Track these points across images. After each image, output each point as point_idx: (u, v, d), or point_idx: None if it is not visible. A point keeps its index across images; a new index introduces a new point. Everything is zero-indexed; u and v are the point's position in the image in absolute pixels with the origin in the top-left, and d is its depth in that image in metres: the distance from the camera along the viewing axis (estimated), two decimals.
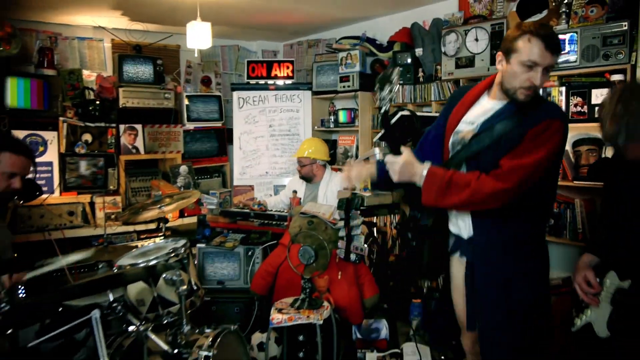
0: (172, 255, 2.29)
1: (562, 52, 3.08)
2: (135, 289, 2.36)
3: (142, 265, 2.12)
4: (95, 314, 1.79)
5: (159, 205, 2.78)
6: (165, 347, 2.01)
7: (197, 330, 2.29)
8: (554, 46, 1.79)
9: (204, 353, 2.07)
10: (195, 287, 2.47)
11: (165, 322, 2.27)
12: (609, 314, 1.68)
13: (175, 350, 2.08)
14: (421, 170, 1.89)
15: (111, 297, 1.96)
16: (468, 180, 1.82)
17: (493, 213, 1.89)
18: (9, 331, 1.60)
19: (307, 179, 4.01)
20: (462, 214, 2.04)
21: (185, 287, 2.25)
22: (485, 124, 1.92)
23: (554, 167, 1.94)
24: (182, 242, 2.45)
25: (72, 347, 2.02)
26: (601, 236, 1.94)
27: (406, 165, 1.91)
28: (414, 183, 1.93)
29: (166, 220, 3.14)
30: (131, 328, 2.07)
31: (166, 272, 2.28)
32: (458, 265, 2.15)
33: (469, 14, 3.85)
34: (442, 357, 3.29)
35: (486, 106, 1.98)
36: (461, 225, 2.07)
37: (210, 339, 2.16)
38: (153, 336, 1.95)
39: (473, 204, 1.84)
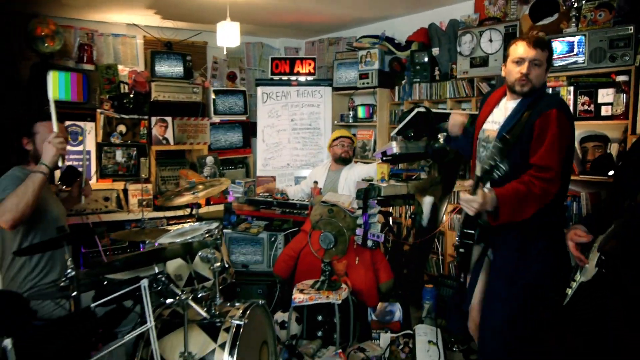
0: (207, 235, 2.54)
1: (571, 54, 3.27)
2: (173, 265, 2.63)
3: (181, 242, 2.36)
4: (144, 282, 2.04)
5: (192, 191, 3.03)
6: (203, 314, 2.26)
7: (228, 304, 2.55)
8: (537, 43, 2.13)
9: (236, 322, 2.31)
10: (226, 265, 2.73)
11: (199, 295, 2.51)
12: (596, 260, 1.89)
13: (211, 318, 2.33)
14: (490, 199, 2.04)
15: (156, 270, 2.22)
16: (522, 186, 2.05)
17: None
18: (74, 293, 1.87)
19: (346, 159, 4.25)
20: None
21: (218, 264, 2.50)
22: (505, 123, 2.22)
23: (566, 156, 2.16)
24: (215, 224, 2.70)
25: (121, 313, 2.28)
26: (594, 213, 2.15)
27: (485, 202, 2.04)
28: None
29: (199, 205, 3.40)
30: (169, 301, 2.34)
31: (202, 250, 2.54)
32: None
33: (484, 16, 4.04)
34: (452, 339, 3.51)
35: (505, 106, 2.29)
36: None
37: (241, 311, 2.41)
38: (193, 304, 2.21)
39: (539, 205, 2.06)
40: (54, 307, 2.42)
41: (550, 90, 3.38)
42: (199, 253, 2.57)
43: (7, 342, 1.48)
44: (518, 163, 2.09)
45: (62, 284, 1.95)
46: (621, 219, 1.81)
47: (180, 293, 2.18)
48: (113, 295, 1.98)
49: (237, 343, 2.26)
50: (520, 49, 2.17)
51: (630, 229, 1.81)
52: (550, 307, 2.22)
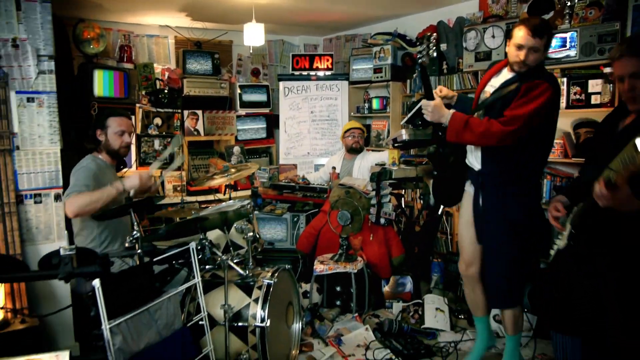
0: (241, 208, 2.97)
1: (564, 48, 3.61)
2: (212, 235, 3.07)
3: (219, 212, 2.78)
4: (192, 244, 2.47)
5: (226, 174, 3.46)
6: (241, 271, 2.69)
7: (259, 268, 2.98)
8: (536, 32, 2.40)
9: (267, 281, 2.74)
10: (257, 236, 3.15)
11: (235, 261, 2.95)
12: (569, 233, 2.24)
13: (246, 278, 2.76)
14: (447, 114, 2.55)
15: (201, 236, 2.66)
16: (481, 123, 2.48)
17: (497, 153, 2.55)
18: (139, 251, 2.30)
19: (358, 149, 4.65)
20: (475, 152, 2.70)
21: (251, 234, 2.93)
22: (500, 86, 2.60)
23: (547, 123, 2.52)
24: (247, 201, 3.12)
25: (172, 272, 2.72)
26: (571, 185, 2.49)
27: (436, 108, 2.59)
28: (440, 125, 2.60)
29: (232, 186, 3.84)
30: (207, 267, 2.77)
31: (237, 221, 2.97)
32: (467, 198, 2.79)
33: (488, 13, 4.38)
34: (458, 308, 3.89)
35: (505, 76, 2.64)
36: (473, 161, 2.73)
37: (270, 273, 2.84)
38: (233, 264, 2.64)
39: (484, 141, 2.49)
40: (120, 264, 2.87)
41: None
42: (234, 224, 3.00)
43: (96, 282, 1.92)
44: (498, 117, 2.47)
45: (127, 244, 2.39)
46: (590, 197, 2.04)
47: (222, 255, 2.61)
48: (168, 254, 2.41)
49: (269, 298, 2.68)
50: (520, 34, 2.42)
51: (596, 207, 2.00)
52: (539, 242, 2.61)
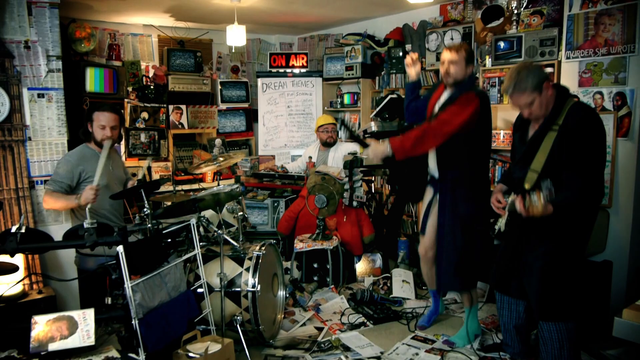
0: (232, 191, 3.38)
1: (512, 50, 4.12)
2: (207, 214, 3.46)
3: (213, 192, 3.18)
4: (193, 220, 2.87)
5: (215, 162, 3.85)
6: (235, 243, 3.11)
7: (248, 243, 3.39)
8: (449, 48, 3.00)
9: (256, 252, 3.16)
10: (245, 216, 3.57)
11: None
12: (506, 217, 2.74)
13: (238, 250, 3.18)
14: (385, 146, 2.85)
15: (200, 214, 3.06)
16: (413, 130, 2.88)
17: (448, 164, 3.03)
18: (149, 225, 2.69)
19: (331, 143, 5.03)
20: (432, 161, 3.15)
21: (240, 213, 3.35)
22: (444, 103, 3.08)
23: (482, 134, 3.02)
24: (236, 184, 3.53)
25: (175, 244, 3.11)
26: (508, 173, 2.99)
27: (373, 149, 2.90)
28: (387, 156, 2.88)
29: (220, 173, 4.23)
30: (202, 244, 3.17)
31: (228, 203, 3.38)
32: (428, 194, 3.27)
33: (447, 18, 4.88)
34: (422, 280, 4.38)
35: (447, 94, 3.13)
36: (432, 168, 3.20)
37: (259, 246, 3.26)
38: (228, 238, 3.05)
39: (426, 142, 2.86)
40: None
41: (497, 80, 4.25)
42: (226, 205, 3.41)
43: (120, 248, 2.31)
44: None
45: (137, 219, 2.78)
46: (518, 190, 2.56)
47: (217, 230, 3.02)
48: (175, 227, 2.81)
49: (258, 268, 3.10)
50: (443, 54, 3.04)
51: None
52: (483, 236, 3.11)
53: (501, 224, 2.69)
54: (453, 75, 2.99)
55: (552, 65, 3.93)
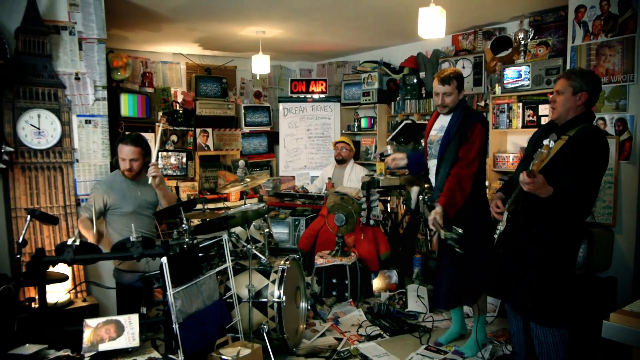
0: (259, 209, 3.67)
1: (520, 79, 4.39)
2: (235, 231, 3.75)
3: (242, 211, 3.47)
4: (224, 236, 3.16)
5: (242, 183, 4.15)
6: (262, 257, 3.38)
7: (273, 257, 3.66)
8: (443, 80, 3.20)
9: (282, 266, 3.43)
10: (271, 232, 3.84)
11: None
12: (506, 217, 2.93)
13: (264, 264, 3.45)
14: (439, 208, 3.09)
15: (231, 230, 3.35)
16: (447, 185, 3.12)
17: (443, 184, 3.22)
18: (187, 239, 2.98)
19: (343, 160, 5.33)
20: (433, 180, 3.40)
21: (267, 230, 3.62)
22: (446, 130, 3.27)
23: (482, 154, 3.26)
24: (263, 204, 3.82)
25: (207, 258, 3.38)
26: (508, 183, 3.18)
27: (435, 217, 3.08)
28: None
29: (247, 193, 4.53)
30: (231, 258, 3.45)
31: (255, 220, 3.66)
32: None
33: (459, 47, 5.18)
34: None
35: (443, 119, 3.36)
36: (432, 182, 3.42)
37: (283, 260, 3.52)
38: (256, 252, 3.33)
39: (462, 190, 3.12)
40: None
41: (505, 106, 4.52)
42: (253, 222, 3.70)
43: (164, 259, 2.60)
44: (455, 157, 3.19)
45: (175, 234, 3.07)
46: (516, 190, 2.71)
47: (247, 245, 3.31)
48: (210, 242, 3.09)
49: (283, 280, 3.37)
50: (435, 84, 3.24)
51: (519, 196, 2.72)
52: (482, 251, 3.30)
53: (501, 227, 2.88)
54: (449, 105, 3.24)
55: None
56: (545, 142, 2.30)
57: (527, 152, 2.95)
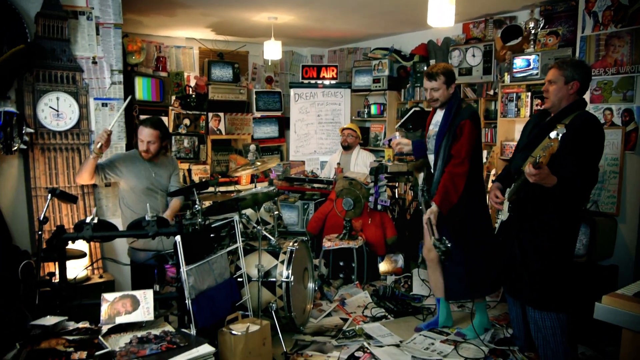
0: (269, 191, 3.77)
1: (529, 68, 4.42)
2: (246, 213, 3.86)
3: (252, 193, 3.58)
4: (236, 217, 3.27)
5: (252, 166, 4.26)
6: (272, 238, 3.49)
7: (282, 238, 3.77)
8: (430, 76, 3.30)
9: (290, 247, 3.54)
10: (281, 215, 3.95)
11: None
12: (508, 207, 3.00)
13: (273, 245, 3.56)
14: (434, 207, 3.21)
15: (242, 212, 3.46)
16: (442, 183, 3.22)
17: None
18: (200, 220, 3.10)
19: (348, 146, 5.42)
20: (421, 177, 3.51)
21: (277, 212, 3.73)
22: (440, 125, 3.34)
23: (476, 148, 3.32)
24: (273, 186, 3.92)
25: (219, 238, 3.51)
26: (505, 172, 3.23)
27: (430, 213, 3.23)
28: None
29: (257, 176, 4.64)
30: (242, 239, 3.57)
31: (265, 202, 3.77)
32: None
33: (469, 36, 5.21)
34: None
35: (439, 114, 3.43)
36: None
37: (292, 242, 3.63)
38: (266, 233, 3.44)
39: (456, 186, 3.20)
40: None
41: (514, 95, 4.56)
42: (263, 205, 3.80)
43: (178, 237, 2.72)
44: (449, 154, 3.26)
45: (188, 214, 3.19)
46: (520, 178, 2.76)
47: (256, 227, 3.42)
48: (222, 222, 3.21)
49: (292, 261, 3.48)
50: (425, 82, 3.36)
51: (522, 186, 2.78)
52: (485, 242, 3.39)
53: (503, 216, 2.96)
54: (438, 100, 3.34)
55: None
56: (553, 134, 2.36)
57: (521, 142, 3.01)
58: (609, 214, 3.84)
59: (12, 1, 3.30)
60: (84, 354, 2.26)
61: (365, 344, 3.42)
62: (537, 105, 4.44)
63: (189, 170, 5.70)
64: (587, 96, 3.97)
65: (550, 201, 2.71)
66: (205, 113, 5.84)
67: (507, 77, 4.59)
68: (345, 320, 3.86)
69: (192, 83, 5.92)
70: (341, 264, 4.73)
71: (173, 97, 5.66)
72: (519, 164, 2.76)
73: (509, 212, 2.89)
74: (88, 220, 2.81)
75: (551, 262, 2.79)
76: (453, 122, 3.26)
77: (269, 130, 6.50)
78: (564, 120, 2.70)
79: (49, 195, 2.94)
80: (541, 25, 4.42)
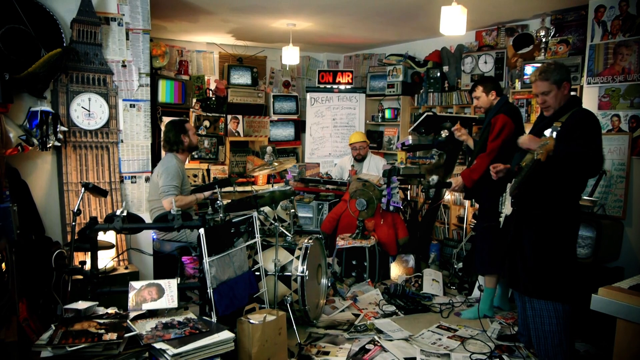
0: (286, 190, 3.95)
1: None
2: (264, 210, 4.04)
3: (270, 191, 3.76)
4: (254, 213, 3.45)
5: (270, 167, 4.43)
6: (288, 234, 3.67)
7: (298, 236, 3.94)
8: (472, 88, 3.73)
9: (306, 244, 3.71)
10: (297, 213, 4.13)
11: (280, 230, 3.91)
12: (510, 202, 3.12)
13: (289, 241, 3.73)
14: (459, 179, 3.74)
15: (260, 209, 3.64)
16: (476, 165, 3.57)
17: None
18: (222, 215, 3.28)
19: (360, 160, 5.58)
20: None
21: (293, 210, 3.90)
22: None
23: (510, 142, 3.47)
24: (289, 186, 4.10)
25: (238, 234, 3.68)
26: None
27: (455, 183, 3.74)
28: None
29: (274, 177, 4.83)
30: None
31: (282, 201, 3.94)
32: None
33: (482, 43, 5.35)
34: (450, 281, 4.83)
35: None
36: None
37: (307, 239, 3.80)
38: (282, 229, 3.62)
39: (480, 169, 3.56)
40: None
41: (524, 101, 4.69)
42: (280, 203, 3.98)
43: (201, 230, 2.90)
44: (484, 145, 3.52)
45: (210, 210, 3.37)
46: (519, 176, 2.96)
47: (274, 223, 3.59)
48: (242, 218, 3.39)
49: (307, 256, 3.65)
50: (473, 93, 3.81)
51: (522, 181, 2.95)
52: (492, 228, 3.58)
53: (506, 210, 3.09)
54: (483, 105, 3.76)
55: (574, 90, 4.33)
56: (548, 132, 2.52)
57: None
58: (615, 217, 3.95)
59: (50, 8, 3.53)
60: (114, 335, 2.43)
61: (376, 338, 3.57)
62: None
63: (208, 170, 5.90)
64: (595, 103, 4.11)
65: (550, 195, 2.85)
66: (224, 115, 6.05)
67: (518, 84, 4.72)
68: (357, 315, 4.01)
69: (213, 86, 6.13)
70: (354, 262, 4.88)
71: (194, 100, 5.86)
72: (519, 160, 2.93)
73: (512, 206, 3.04)
74: (118, 212, 3.01)
75: (547, 252, 2.91)
76: (491, 117, 3.65)
77: (286, 133, 6.69)
78: (561, 118, 2.86)
79: (82, 189, 3.15)
80: (552, 34, 4.55)
